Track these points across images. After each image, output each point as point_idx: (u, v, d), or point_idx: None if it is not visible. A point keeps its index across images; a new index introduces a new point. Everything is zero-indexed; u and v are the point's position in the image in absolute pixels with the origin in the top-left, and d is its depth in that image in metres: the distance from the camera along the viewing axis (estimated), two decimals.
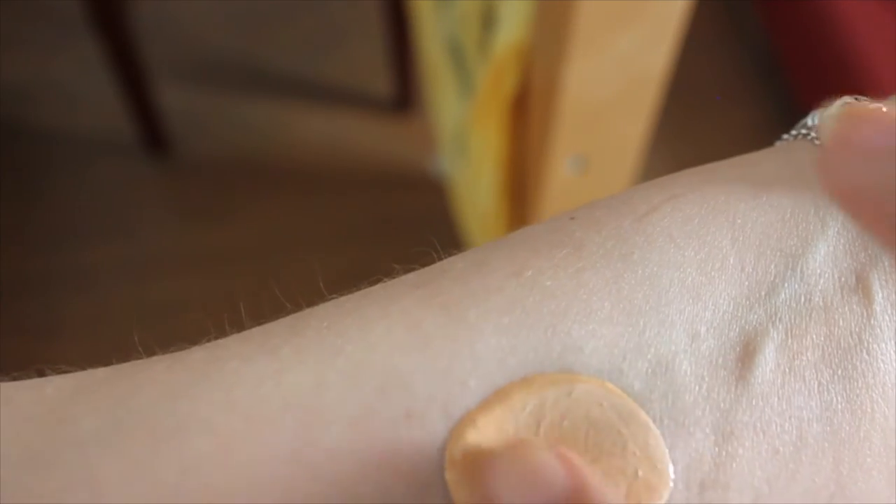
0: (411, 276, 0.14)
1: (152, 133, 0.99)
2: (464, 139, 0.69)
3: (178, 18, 1.11)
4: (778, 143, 0.16)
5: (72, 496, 0.11)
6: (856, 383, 0.14)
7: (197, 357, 0.13)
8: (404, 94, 1.04)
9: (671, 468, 0.13)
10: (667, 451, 0.13)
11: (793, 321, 0.14)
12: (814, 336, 0.14)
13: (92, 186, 0.97)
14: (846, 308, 0.14)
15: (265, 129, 1.03)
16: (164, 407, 0.12)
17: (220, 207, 0.96)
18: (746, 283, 0.14)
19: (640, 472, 0.13)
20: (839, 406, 0.14)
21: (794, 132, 0.16)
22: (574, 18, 0.43)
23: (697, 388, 0.13)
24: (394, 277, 0.15)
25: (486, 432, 0.12)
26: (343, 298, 0.14)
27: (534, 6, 0.49)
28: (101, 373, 0.13)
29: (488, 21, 0.59)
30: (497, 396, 0.13)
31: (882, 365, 0.14)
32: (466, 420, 0.12)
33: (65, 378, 0.13)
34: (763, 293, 0.14)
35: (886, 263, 0.14)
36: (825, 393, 0.13)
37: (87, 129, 1.02)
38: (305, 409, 0.12)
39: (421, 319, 0.13)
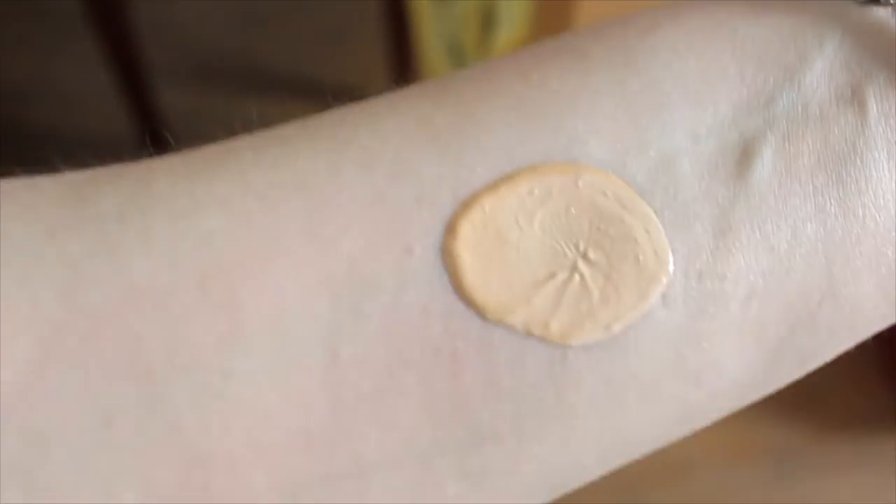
0: (422, 83, 0.15)
1: (152, 133, 0.99)
2: None
3: (178, 18, 1.11)
4: None
5: (91, 263, 0.12)
6: (848, 188, 0.14)
7: (212, 148, 0.14)
8: None
9: (671, 256, 0.13)
10: (666, 239, 0.13)
11: (790, 128, 0.14)
12: (810, 142, 0.14)
13: None
14: (841, 118, 0.14)
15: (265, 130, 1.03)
16: (182, 187, 0.13)
17: None
18: (746, 91, 0.14)
19: (641, 258, 0.13)
20: (832, 209, 0.14)
21: None
22: (574, 18, 0.43)
23: (697, 184, 0.14)
24: None
25: (491, 211, 0.13)
26: (354, 104, 0.15)
27: (534, 6, 0.49)
28: (117, 166, 0.14)
29: (488, 21, 0.58)
30: (504, 180, 0.13)
31: (874, 172, 0.14)
32: (473, 199, 0.13)
33: (82, 171, 0.13)
34: (762, 101, 0.14)
35: (882, 79, 0.14)
36: (819, 196, 0.14)
37: (87, 129, 1.02)
38: (318, 191, 0.13)
39: (431, 115, 0.14)
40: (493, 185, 0.13)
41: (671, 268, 0.13)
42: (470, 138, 0.13)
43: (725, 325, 0.14)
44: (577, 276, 0.13)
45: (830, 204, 0.14)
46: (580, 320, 0.13)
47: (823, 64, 0.14)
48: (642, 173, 0.14)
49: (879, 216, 0.14)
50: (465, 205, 0.13)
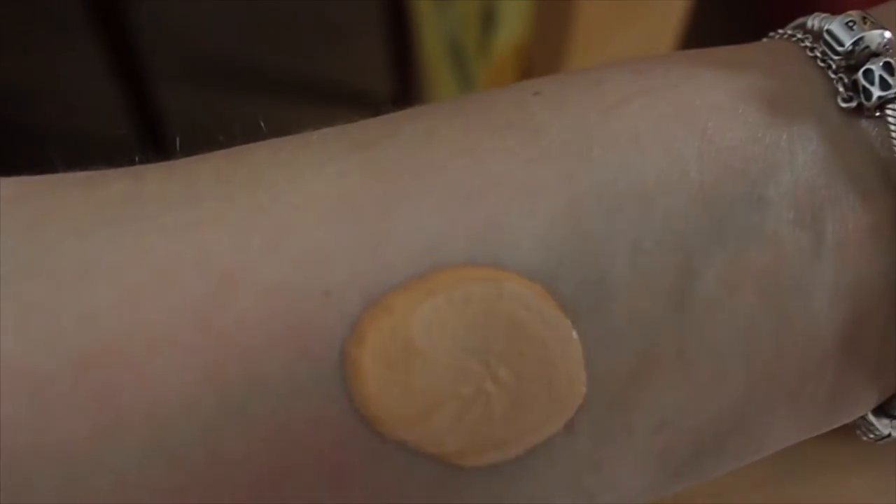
0: (356, 129, 0.13)
1: (152, 133, 0.99)
2: None
3: (179, 19, 1.11)
4: (766, 41, 0.16)
5: None
6: (784, 325, 0.13)
7: (116, 190, 0.12)
8: (404, 94, 1.04)
9: (584, 383, 0.12)
10: (583, 364, 0.12)
11: (739, 248, 0.13)
12: (756, 268, 0.13)
13: None
14: (795, 244, 0.13)
15: (265, 129, 1.03)
16: (72, 246, 0.11)
17: None
18: (702, 200, 0.13)
19: (554, 383, 0.12)
20: (765, 346, 0.13)
21: (786, 31, 0.15)
22: (574, 18, 0.43)
23: (629, 303, 0.12)
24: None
25: (402, 317, 0.12)
26: (282, 141, 0.13)
27: (534, 6, 0.49)
28: (14, 186, 0.12)
29: (488, 21, 0.59)
30: (422, 282, 0.12)
31: (815, 310, 0.13)
32: (384, 301, 0.12)
33: None
34: (717, 215, 0.13)
35: (846, 204, 0.13)
36: (753, 331, 0.13)
37: (87, 129, 1.02)
38: (219, 271, 0.11)
39: (356, 188, 0.12)
40: (407, 287, 0.12)
41: (584, 396, 0.12)
42: (394, 225, 0.12)
43: (628, 454, 0.13)
44: (482, 396, 0.12)
45: (763, 341, 0.13)
46: (479, 442, 0.12)
47: (790, 179, 0.13)
48: (572, 286, 0.12)
49: (809, 354, 0.13)
50: (376, 306, 0.12)
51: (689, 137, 0.13)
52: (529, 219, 0.12)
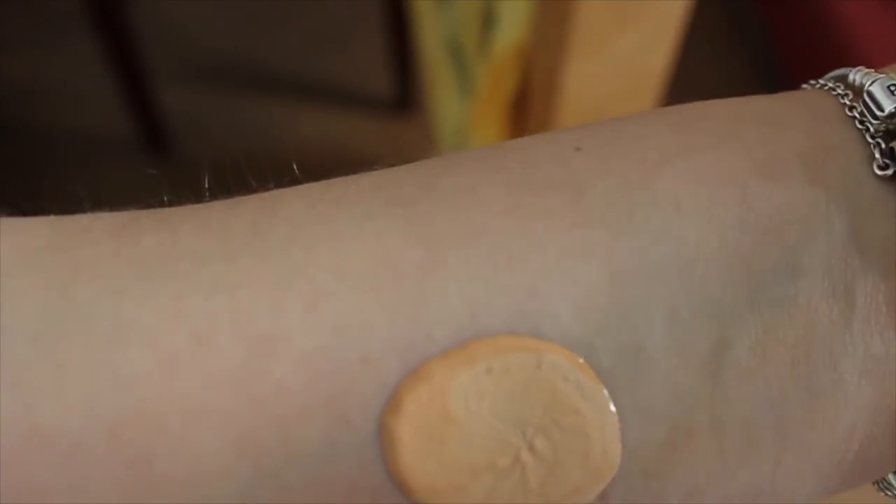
0: (393, 181, 0.13)
1: (152, 133, 0.99)
2: (464, 139, 0.69)
3: (178, 18, 1.11)
4: (805, 90, 0.15)
5: (3, 393, 0.11)
6: (815, 398, 0.13)
7: (147, 244, 0.12)
8: (404, 94, 1.04)
9: (619, 456, 0.12)
10: (619, 437, 0.12)
11: (773, 318, 0.13)
12: (789, 339, 0.13)
13: (92, 186, 0.97)
14: (827, 316, 0.13)
15: (265, 129, 1.03)
16: (106, 307, 0.11)
17: None
18: (740, 267, 0.13)
19: (590, 454, 0.12)
20: (795, 417, 0.13)
21: (826, 82, 0.15)
22: (574, 18, 0.43)
23: (665, 374, 0.12)
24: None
25: (440, 387, 0.11)
26: (317, 191, 0.13)
27: (534, 6, 0.49)
28: (41, 236, 0.12)
29: (488, 21, 0.59)
30: (461, 352, 0.12)
31: (845, 385, 0.13)
32: (423, 370, 0.11)
33: (2, 241, 0.12)
34: (753, 282, 0.13)
35: (877, 274, 0.13)
36: (785, 405, 0.13)
37: (87, 128, 1.02)
38: (257, 337, 0.11)
39: (398, 251, 0.12)
40: (447, 356, 0.12)
41: (617, 467, 0.12)
42: (433, 291, 0.12)
43: None
44: (518, 467, 0.12)
45: (793, 413, 0.13)
46: None
47: (825, 246, 0.13)
48: (610, 357, 0.12)
49: (837, 427, 0.13)
50: (414, 375, 0.11)
51: (729, 204, 0.13)
52: (570, 287, 0.12)
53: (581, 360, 0.12)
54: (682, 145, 0.13)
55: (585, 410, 0.12)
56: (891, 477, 0.15)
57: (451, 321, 0.12)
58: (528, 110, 0.55)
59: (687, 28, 0.46)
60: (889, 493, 0.16)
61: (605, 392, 0.12)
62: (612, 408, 0.12)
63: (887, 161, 0.13)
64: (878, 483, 0.16)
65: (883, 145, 0.13)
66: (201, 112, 1.04)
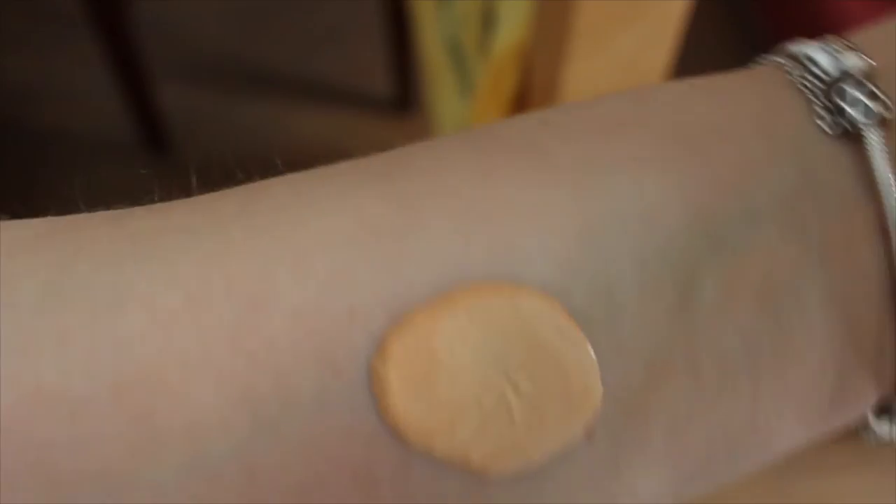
0: (371, 161, 0.14)
1: (152, 133, 0.99)
2: None
3: (179, 18, 1.11)
4: (753, 67, 0.16)
5: (5, 363, 0.11)
6: (783, 329, 0.14)
7: (141, 224, 0.13)
8: (404, 94, 1.04)
9: (600, 390, 0.13)
10: (598, 373, 0.13)
11: (735, 259, 0.14)
12: (752, 276, 0.14)
13: (92, 186, 0.97)
14: (786, 254, 0.14)
15: (265, 129, 1.03)
16: (105, 277, 0.12)
17: None
18: (698, 215, 0.14)
19: (571, 391, 0.13)
20: (765, 349, 0.14)
21: (771, 57, 0.16)
22: (574, 18, 0.43)
23: (637, 314, 0.13)
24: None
25: (425, 332, 0.12)
26: (300, 176, 0.14)
27: (534, 6, 0.49)
28: (41, 226, 0.13)
29: (488, 21, 0.59)
30: (442, 299, 0.12)
31: (810, 315, 0.14)
32: (407, 318, 0.12)
33: (2, 232, 0.13)
34: (713, 228, 0.14)
35: (830, 217, 0.14)
36: (754, 333, 0.14)
37: (87, 129, 1.02)
38: (248, 296, 0.12)
39: (374, 212, 0.13)
40: (429, 303, 0.12)
41: (600, 403, 0.13)
42: (413, 247, 0.12)
43: (646, 458, 0.14)
44: (504, 406, 0.13)
45: (763, 344, 0.14)
46: (502, 451, 0.13)
47: (778, 192, 0.14)
48: (584, 299, 0.13)
49: (809, 357, 0.14)
50: (399, 323, 0.12)
51: (687, 154, 0.14)
52: (542, 238, 0.13)
53: (557, 303, 0.13)
54: (639, 113, 0.14)
55: (564, 350, 0.13)
56: (873, 421, 0.16)
57: (431, 272, 0.12)
58: (528, 110, 0.54)
59: (687, 28, 0.46)
60: (873, 438, 0.16)
61: (581, 333, 0.13)
62: (589, 347, 0.13)
63: (831, 117, 0.14)
64: (864, 430, 0.16)
65: (827, 103, 0.14)
66: (201, 112, 1.04)
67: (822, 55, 0.15)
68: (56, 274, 0.12)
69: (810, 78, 0.15)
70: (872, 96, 0.14)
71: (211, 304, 0.12)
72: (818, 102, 0.14)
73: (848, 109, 0.14)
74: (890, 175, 0.14)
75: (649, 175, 0.14)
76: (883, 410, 0.16)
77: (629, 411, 0.13)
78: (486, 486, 0.13)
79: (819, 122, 0.14)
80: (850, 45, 0.15)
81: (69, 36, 1.06)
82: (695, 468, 0.14)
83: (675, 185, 0.14)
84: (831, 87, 0.14)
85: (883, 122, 0.14)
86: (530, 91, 0.53)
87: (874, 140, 0.14)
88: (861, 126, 0.14)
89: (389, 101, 1.05)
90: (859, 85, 0.14)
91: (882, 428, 0.16)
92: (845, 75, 0.14)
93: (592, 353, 0.13)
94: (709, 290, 0.13)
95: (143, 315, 0.12)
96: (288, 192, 0.13)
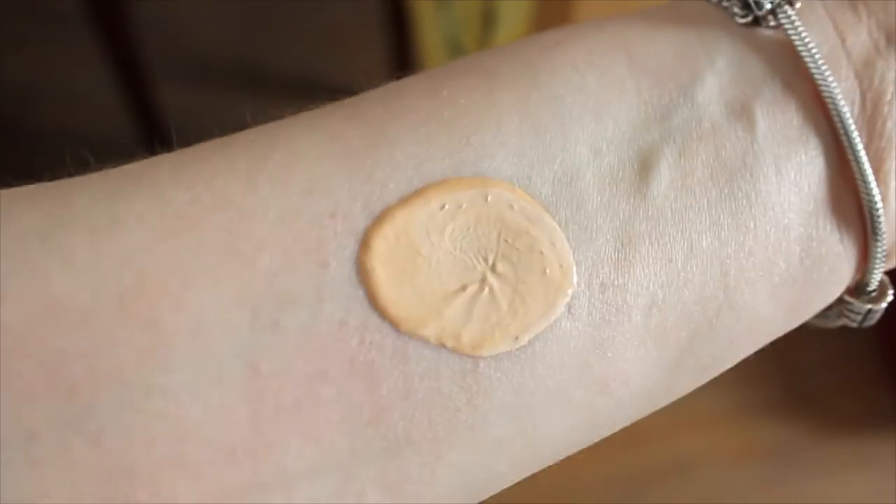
0: (336, 103, 0.15)
1: (152, 133, 0.99)
2: None
3: (179, 18, 1.11)
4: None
5: (14, 282, 0.12)
6: (740, 202, 0.15)
7: (130, 166, 0.14)
8: None
9: (575, 268, 0.14)
10: (570, 252, 0.14)
11: (685, 142, 0.15)
12: (703, 157, 0.15)
13: None
14: (732, 133, 0.15)
15: None
16: (101, 205, 0.13)
17: None
18: (643, 107, 0.15)
19: (548, 270, 0.14)
20: (726, 222, 0.15)
21: None
22: (574, 18, 0.43)
23: (599, 197, 0.14)
24: None
25: (403, 225, 0.13)
26: (274, 121, 0.15)
27: (534, 6, 0.49)
28: (35, 185, 0.14)
29: (488, 21, 0.59)
30: (415, 195, 0.13)
31: (763, 186, 0.15)
32: (385, 214, 0.13)
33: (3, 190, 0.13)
34: (658, 116, 0.15)
35: (768, 95, 0.15)
36: (713, 209, 0.15)
37: (87, 129, 1.02)
38: (235, 208, 0.13)
39: (343, 131, 0.14)
40: (404, 200, 0.13)
41: (575, 279, 0.14)
42: (381, 154, 0.14)
43: (628, 334, 0.14)
44: (486, 289, 0.14)
45: (723, 217, 0.15)
46: (490, 331, 0.13)
47: (714, 80, 0.15)
48: (547, 186, 0.14)
49: (769, 228, 0.15)
50: (378, 219, 0.13)
51: (620, 58, 0.15)
52: (498, 134, 0.14)
53: (521, 191, 0.14)
54: (571, 32, 0.16)
55: (534, 231, 0.14)
56: (847, 297, 0.17)
57: (402, 173, 0.14)
58: None
59: None
60: (854, 318, 0.17)
61: (548, 214, 0.14)
62: (557, 227, 0.14)
63: (746, 11, 0.16)
64: (845, 316, 0.17)
65: (738, 2, 0.16)
66: (201, 112, 1.04)
67: None
68: (56, 207, 0.13)
69: None
70: None
71: (202, 217, 0.13)
72: (731, 3, 0.16)
73: (760, 1, 0.15)
74: (811, 43, 0.15)
75: (589, 76, 0.15)
76: (858, 290, 0.17)
77: (605, 286, 0.14)
78: (479, 368, 0.13)
79: (739, 19, 0.16)
80: None
81: (69, 36, 1.06)
82: (679, 347, 0.15)
83: (615, 82, 0.15)
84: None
85: (790, 2, 0.15)
86: None
87: (789, 17, 0.15)
88: (776, 11, 0.15)
89: None
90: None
91: (860, 306, 0.17)
92: None
93: (562, 233, 0.14)
94: (664, 170, 0.15)
95: (141, 230, 0.12)
96: (262, 129, 0.15)
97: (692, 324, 0.15)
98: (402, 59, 0.99)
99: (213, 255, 0.13)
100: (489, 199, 0.14)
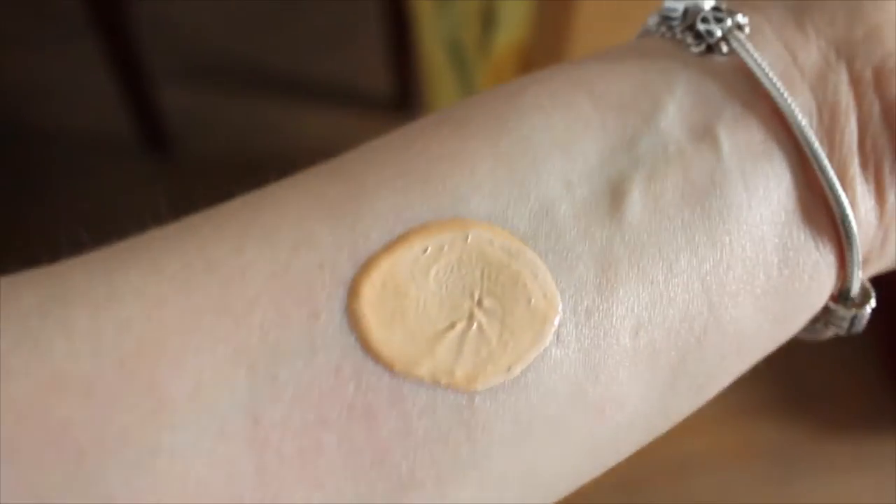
0: (315, 166, 0.16)
1: (152, 133, 0.99)
2: None
3: (179, 18, 1.11)
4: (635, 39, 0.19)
5: (16, 358, 0.12)
6: (713, 220, 0.15)
7: (124, 243, 0.14)
8: (404, 94, 1.04)
9: (559, 296, 0.14)
10: (553, 281, 0.14)
11: (653, 167, 0.15)
12: (672, 179, 0.15)
13: (92, 186, 0.97)
14: (697, 154, 0.15)
15: (265, 129, 1.03)
16: (99, 279, 0.13)
17: None
18: (609, 138, 0.15)
19: (532, 301, 0.14)
20: (701, 240, 0.15)
21: (644, 30, 0.18)
22: (574, 18, 0.43)
23: (576, 227, 0.15)
24: None
25: (388, 271, 0.14)
26: (256, 190, 0.16)
27: (534, 6, 0.49)
28: (34, 270, 0.14)
29: (488, 21, 0.59)
30: (398, 241, 0.14)
31: (734, 202, 0.15)
32: (370, 261, 0.14)
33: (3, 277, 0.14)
34: (625, 146, 0.15)
35: (728, 115, 0.16)
36: (688, 229, 0.15)
37: (87, 129, 1.02)
38: (227, 268, 0.13)
39: (325, 189, 0.15)
40: (388, 247, 0.14)
41: (560, 307, 0.14)
42: (363, 206, 0.14)
43: (618, 357, 0.15)
44: (475, 324, 0.14)
45: (698, 235, 0.15)
46: (482, 365, 0.14)
47: (675, 107, 0.16)
48: (524, 222, 0.15)
49: (745, 241, 0.15)
50: (364, 267, 0.14)
51: (582, 96, 0.16)
52: (472, 177, 0.15)
53: (499, 228, 0.14)
54: (534, 78, 0.17)
55: (515, 265, 0.14)
56: (832, 305, 0.17)
57: (384, 222, 0.14)
58: None
59: None
60: (840, 325, 0.17)
61: (527, 247, 0.14)
62: (538, 259, 0.14)
63: (699, 41, 0.17)
64: (832, 324, 0.17)
65: (690, 33, 0.17)
66: (201, 112, 1.04)
67: (673, 3, 0.17)
68: (55, 285, 0.13)
69: (671, 23, 0.17)
70: (724, 13, 0.17)
71: (194, 281, 0.13)
72: (683, 35, 0.17)
73: (711, 28, 0.16)
74: (764, 63, 0.16)
75: (554, 115, 0.16)
76: (842, 297, 0.17)
77: (590, 312, 0.14)
78: (473, 401, 0.14)
79: (693, 49, 0.17)
80: None
81: (69, 36, 1.06)
82: (671, 367, 0.15)
83: (579, 118, 0.16)
84: (692, 23, 0.17)
85: (740, 28, 0.16)
86: None
87: (741, 41, 0.16)
88: (727, 38, 0.16)
89: (389, 101, 1.05)
90: (713, 8, 0.17)
91: (843, 312, 0.17)
92: (698, 8, 0.17)
93: (542, 264, 0.14)
94: (636, 196, 0.15)
95: (137, 299, 0.13)
96: (248, 196, 0.15)
97: (681, 342, 0.15)
98: (402, 59, 0.99)
99: (207, 315, 0.13)
100: (469, 238, 0.14)
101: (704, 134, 0.16)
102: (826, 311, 0.17)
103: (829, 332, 0.18)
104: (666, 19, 0.17)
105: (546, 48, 0.48)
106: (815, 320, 0.17)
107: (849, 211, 0.16)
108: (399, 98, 1.04)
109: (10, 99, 1.04)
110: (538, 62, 0.51)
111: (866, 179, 0.16)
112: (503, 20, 0.55)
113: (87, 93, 1.03)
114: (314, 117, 1.04)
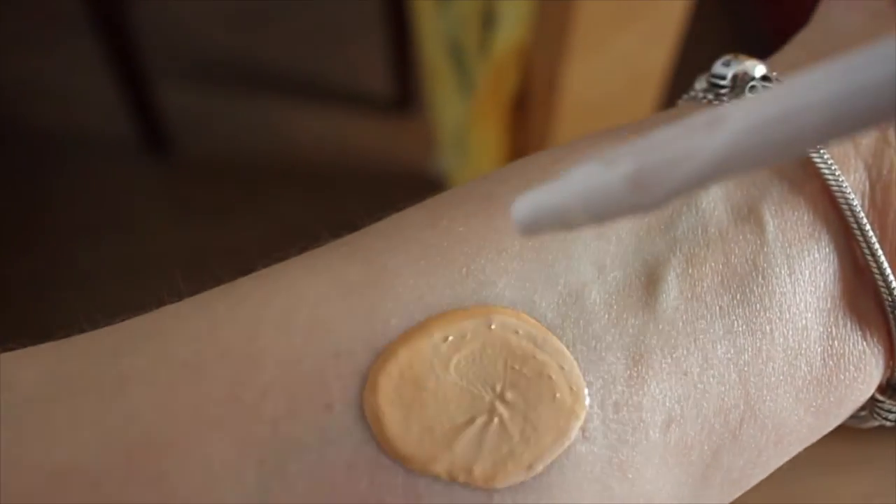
0: (337, 240, 0.15)
1: (152, 133, 0.99)
2: (464, 139, 0.69)
3: (179, 18, 1.11)
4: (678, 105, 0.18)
5: (23, 448, 0.12)
6: (754, 307, 0.14)
7: (135, 322, 0.14)
8: (404, 94, 1.04)
9: (586, 390, 0.13)
10: (580, 374, 0.13)
11: (692, 251, 0.14)
12: (712, 264, 0.14)
13: (92, 186, 0.97)
14: (740, 237, 0.15)
15: (265, 129, 1.03)
16: (106, 362, 0.13)
17: (220, 207, 0.96)
18: (646, 219, 0.14)
19: (558, 395, 0.13)
20: (740, 328, 0.14)
21: (689, 95, 0.17)
22: (574, 18, 0.43)
23: (606, 314, 0.14)
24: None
25: (407, 361, 0.13)
26: (273, 265, 0.15)
27: (534, 6, 0.49)
28: (42, 345, 0.14)
29: (488, 21, 0.59)
30: (418, 329, 0.13)
31: (777, 288, 0.14)
32: (388, 351, 0.13)
33: (6, 353, 0.13)
34: (662, 226, 0.14)
35: (776, 194, 0.15)
36: (726, 317, 0.14)
37: (87, 129, 1.02)
38: (238, 356, 0.13)
39: (343, 271, 0.14)
40: (407, 335, 0.13)
41: (587, 402, 0.13)
42: (382, 291, 0.13)
43: (648, 453, 0.14)
44: (495, 419, 0.13)
45: (738, 323, 0.14)
46: (502, 463, 0.13)
47: (717, 185, 0.15)
48: (552, 309, 0.14)
49: (787, 331, 0.14)
50: (382, 356, 0.13)
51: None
52: (498, 259, 0.14)
53: (525, 315, 0.14)
54: (567, 150, 0.15)
55: (541, 356, 0.13)
56: (879, 396, 0.16)
57: (404, 308, 0.13)
58: (528, 109, 0.55)
59: (687, 27, 0.46)
60: (888, 417, 0.16)
61: (555, 338, 0.13)
62: (565, 349, 0.13)
63: None
64: (877, 415, 0.16)
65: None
66: (201, 112, 1.04)
67: (721, 68, 0.16)
68: (61, 368, 0.13)
69: (719, 91, 0.16)
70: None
71: (205, 369, 0.13)
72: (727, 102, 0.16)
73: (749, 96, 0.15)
74: (822, 149, 0.15)
75: None
76: (891, 388, 0.16)
77: (619, 406, 0.13)
78: (492, 500, 0.13)
79: None
80: (742, 55, 0.16)
81: (69, 36, 1.06)
82: (703, 463, 0.14)
83: None
84: (740, 92, 0.16)
85: None
86: (530, 90, 0.53)
87: None
88: None
89: (389, 101, 1.05)
90: (763, 77, 0.16)
91: (890, 405, 0.16)
92: (748, 77, 0.16)
93: (570, 355, 0.13)
94: (672, 281, 0.14)
95: (146, 389, 0.12)
96: (263, 273, 0.14)
97: (714, 437, 0.14)
98: (402, 59, 0.99)
99: (217, 405, 0.12)
100: (493, 326, 0.13)
101: (749, 214, 0.15)
102: (872, 401, 0.16)
103: (874, 423, 0.17)
104: (714, 86, 0.16)
105: (546, 48, 0.48)
106: (861, 409, 0.16)
107: None
108: (399, 98, 1.04)
109: (10, 99, 1.04)
110: (538, 62, 0.51)
111: None
112: (503, 20, 0.55)
113: (88, 93, 1.03)
114: (314, 117, 1.04)
